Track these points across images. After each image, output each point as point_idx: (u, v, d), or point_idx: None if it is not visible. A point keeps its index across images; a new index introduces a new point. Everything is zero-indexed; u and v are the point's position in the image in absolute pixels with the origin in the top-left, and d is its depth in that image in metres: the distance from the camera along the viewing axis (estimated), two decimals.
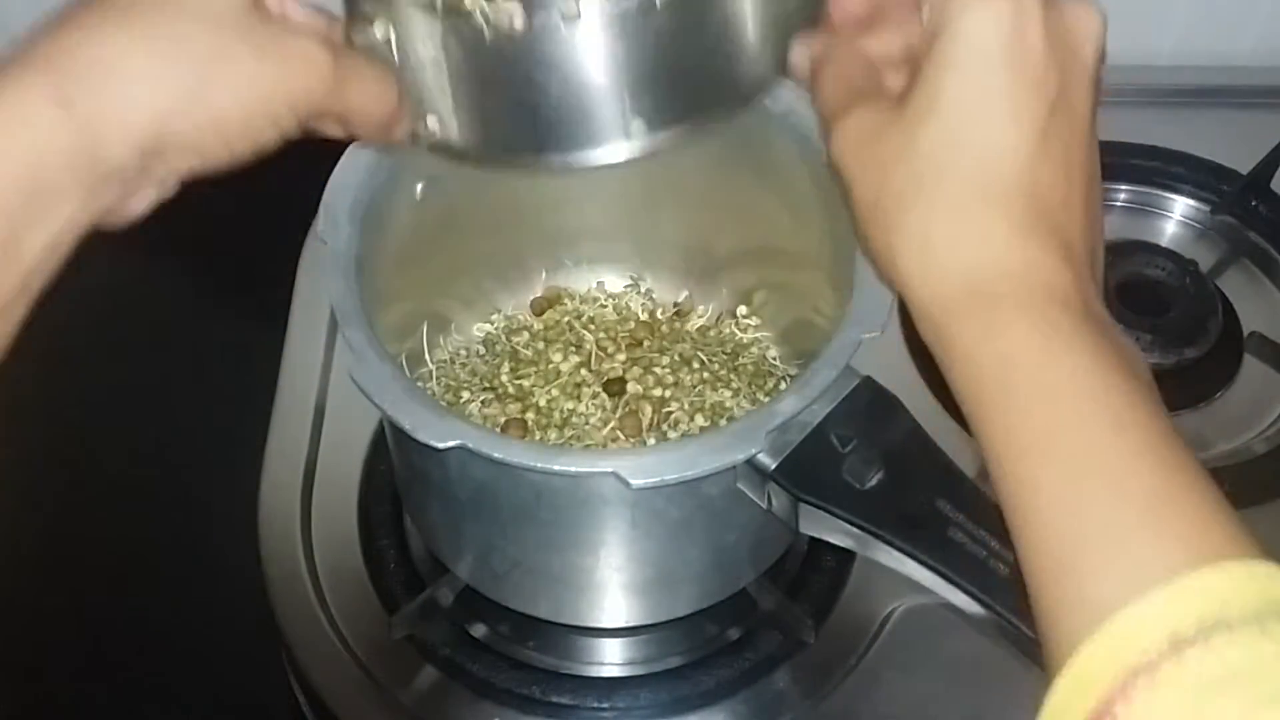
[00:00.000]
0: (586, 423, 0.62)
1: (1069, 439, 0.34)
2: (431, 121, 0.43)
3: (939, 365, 0.38)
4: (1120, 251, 0.74)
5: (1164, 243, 0.78)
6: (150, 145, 0.35)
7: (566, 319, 0.67)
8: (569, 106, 0.41)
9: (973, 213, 0.36)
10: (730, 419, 0.62)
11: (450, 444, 0.46)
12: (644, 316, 0.67)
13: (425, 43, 0.42)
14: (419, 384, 0.59)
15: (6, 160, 0.34)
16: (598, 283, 0.69)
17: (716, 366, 0.64)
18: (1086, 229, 0.37)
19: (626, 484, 0.45)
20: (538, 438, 0.62)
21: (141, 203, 0.39)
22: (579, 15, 0.40)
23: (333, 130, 0.41)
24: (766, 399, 0.62)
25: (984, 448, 0.36)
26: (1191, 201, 0.80)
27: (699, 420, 0.62)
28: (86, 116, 0.34)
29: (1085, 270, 0.37)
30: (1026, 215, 0.36)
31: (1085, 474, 0.34)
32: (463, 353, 0.66)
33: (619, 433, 0.62)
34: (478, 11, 0.41)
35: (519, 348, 0.65)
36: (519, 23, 0.41)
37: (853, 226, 0.39)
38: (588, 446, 0.61)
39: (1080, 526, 0.33)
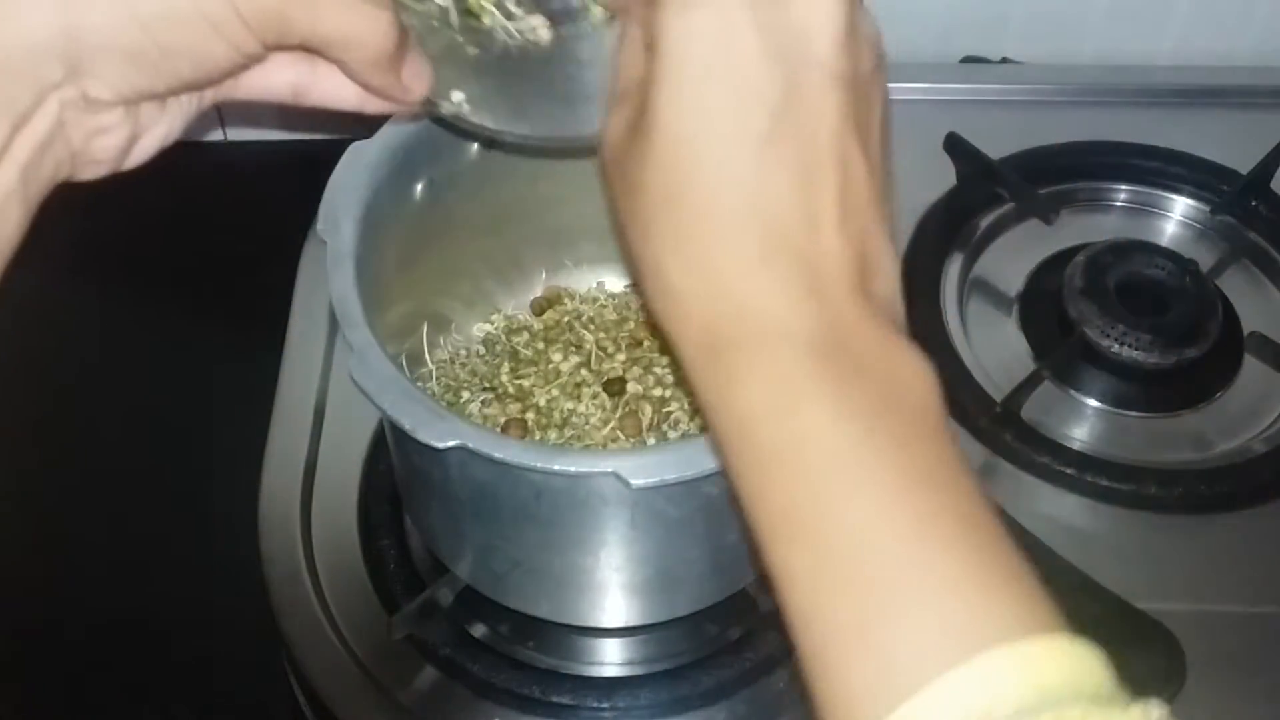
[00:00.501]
0: (586, 423, 0.62)
1: (807, 515, 0.31)
2: (456, 96, 0.41)
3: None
4: (1120, 251, 0.74)
5: (1164, 243, 0.78)
6: (63, 44, 0.32)
7: (566, 319, 0.67)
8: (599, 89, 0.40)
9: (698, 247, 0.33)
10: None
11: (450, 444, 0.46)
12: (644, 316, 0.67)
13: (441, 43, 0.41)
14: (419, 384, 0.59)
15: None
16: (598, 283, 0.69)
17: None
18: (848, 242, 0.33)
19: (626, 484, 0.45)
20: (538, 438, 0.62)
21: (113, 137, 0.36)
22: (610, 20, 0.40)
23: (341, 69, 0.37)
24: None
25: (747, 519, 0.33)
26: (1191, 201, 0.80)
27: (699, 420, 0.62)
28: None
29: (841, 290, 0.33)
30: (757, 244, 0.33)
31: (827, 559, 0.30)
32: (463, 353, 0.66)
33: (619, 433, 0.61)
34: (499, 29, 0.41)
35: (519, 348, 0.65)
36: (545, 36, 0.41)
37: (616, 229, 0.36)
38: (588, 446, 0.61)
39: (829, 625, 0.30)
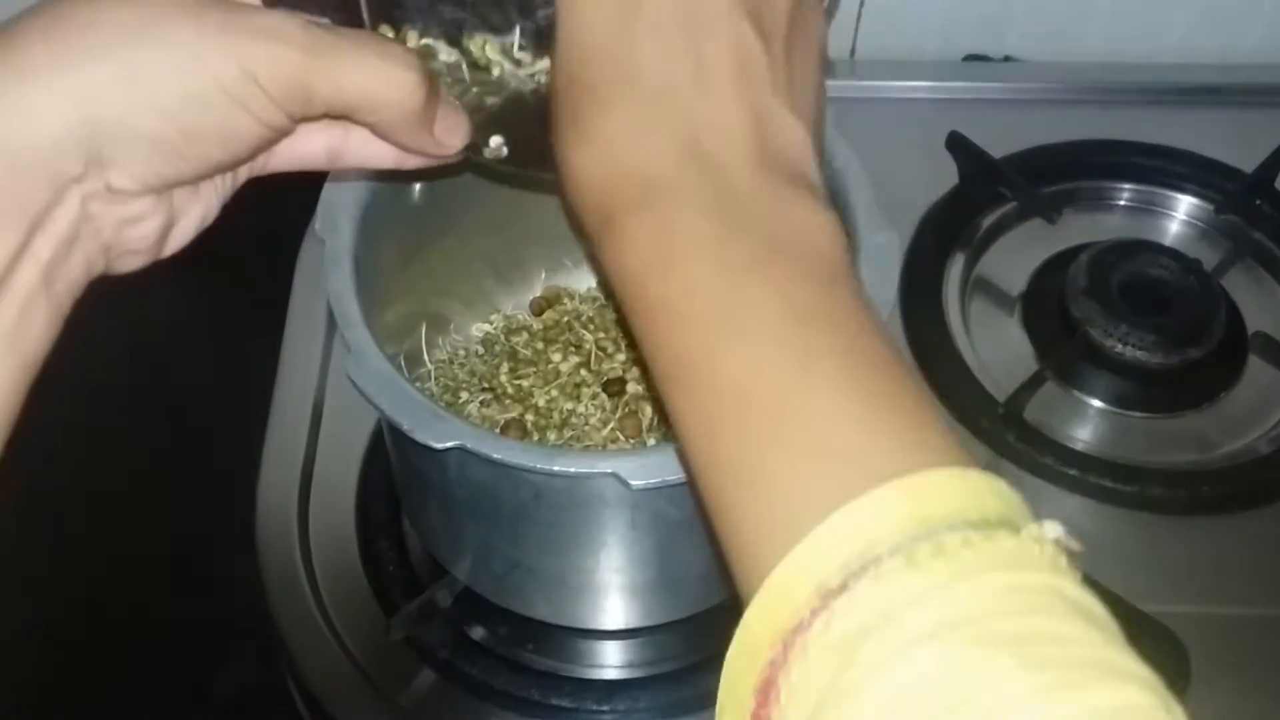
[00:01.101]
0: (586, 423, 0.62)
1: (690, 362, 0.32)
2: (494, 141, 0.42)
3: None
4: (1123, 251, 0.73)
5: (1168, 242, 0.78)
6: (81, 136, 0.32)
7: (566, 319, 0.66)
8: None
9: (590, 122, 0.34)
10: None
11: (449, 444, 0.45)
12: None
13: (462, 94, 0.42)
14: (417, 384, 0.59)
15: None
16: (597, 282, 0.68)
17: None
18: (736, 108, 0.34)
19: (626, 485, 0.45)
20: (537, 438, 0.61)
21: (146, 226, 0.35)
22: None
23: (374, 130, 0.37)
24: None
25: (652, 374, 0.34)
26: (1195, 201, 0.80)
27: None
28: None
29: (731, 155, 0.34)
30: (641, 110, 0.34)
31: (711, 399, 0.31)
32: (461, 353, 0.66)
33: (619, 433, 0.61)
34: (509, 78, 0.41)
35: (518, 348, 0.65)
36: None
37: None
38: (587, 447, 0.61)
39: (723, 468, 0.31)
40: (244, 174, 0.39)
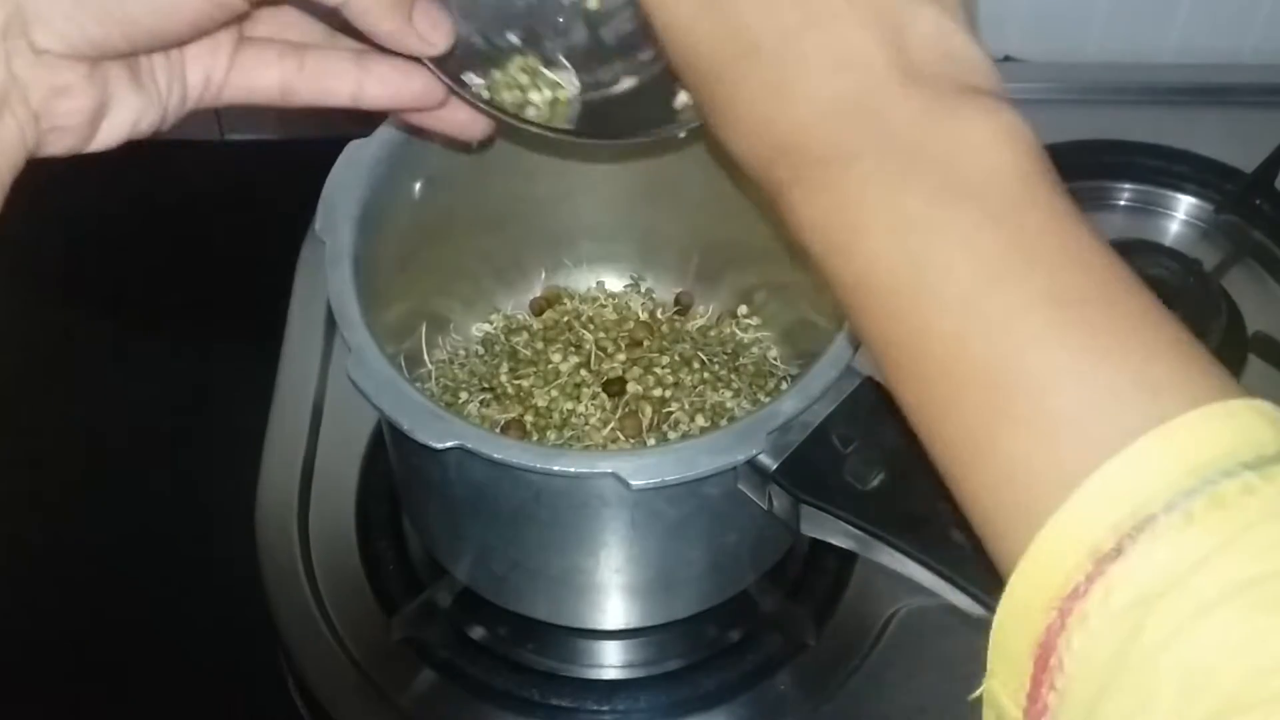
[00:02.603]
0: (586, 423, 0.62)
1: (963, 273, 0.29)
2: (474, 81, 0.41)
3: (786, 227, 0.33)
4: (1124, 251, 0.72)
5: (1167, 242, 0.78)
6: None
7: (566, 319, 0.66)
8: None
9: (722, 95, 0.33)
10: (731, 419, 0.61)
11: (449, 444, 0.45)
12: (644, 316, 0.67)
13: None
14: (417, 384, 0.59)
15: None
16: (598, 283, 0.68)
17: (717, 367, 0.63)
18: (859, 25, 0.31)
19: (626, 485, 0.45)
20: (537, 438, 0.61)
21: (75, 101, 0.33)
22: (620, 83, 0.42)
23: (315, 63, 0.36)
24: (767, 399, 0.62)
25: (848, 313, 0.31)
26: (1195, 201, 0.80)
27: (699, 421, 0.62)
28: None
29: (877, 77, 0.31)
30: (768, 75, 0.32)
31: (928, 379, 0.29)
32: (461, 353, 0.66)
33: (619, 433, 0.61)
34: (527, 106, 0.42)
35: (518, 348, 0.65)
36: (571, 91, 0.42)
37: (695, 99, 0.35)
38: (587, 447, 0.61)
39: (954, 449, 0.29)
40: (194, 95, 0.37)
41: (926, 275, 0.29)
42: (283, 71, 0.38)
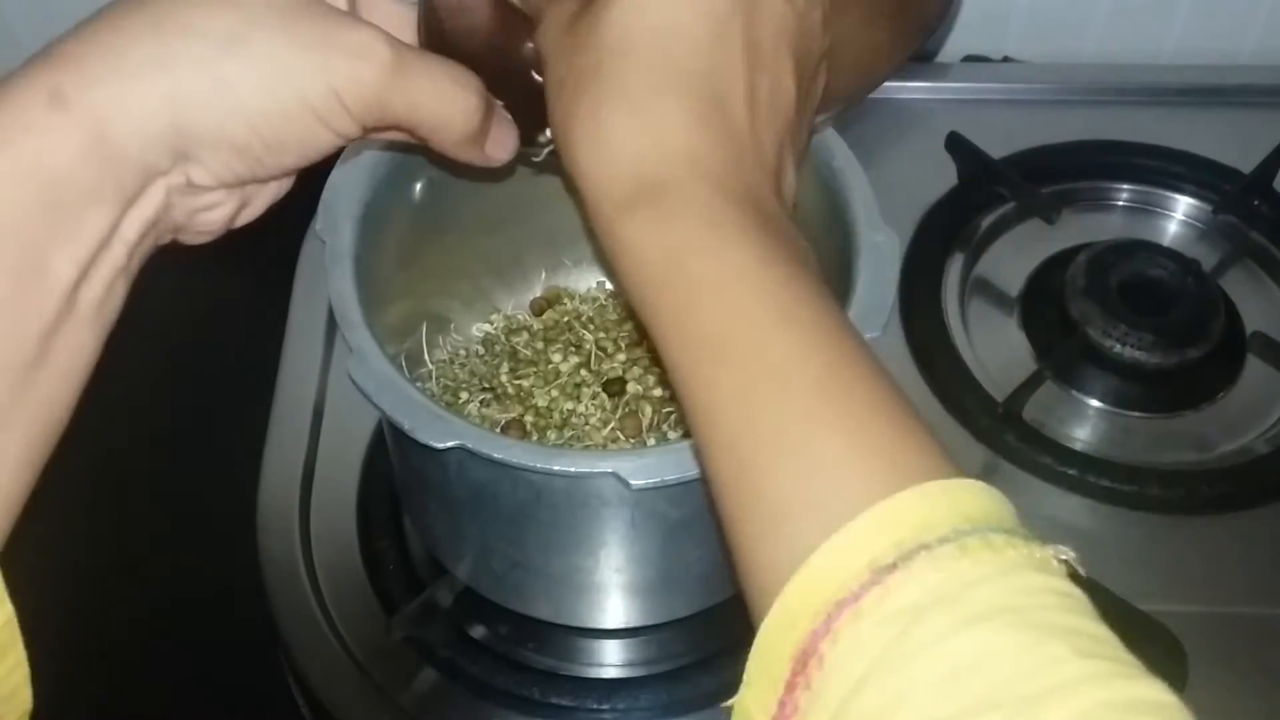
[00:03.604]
0: (586, 423, 0.62)
1: (739, 339, 0.33)
2: (543, 138, 0.42)
3: (611, 268, 0.37)
4: (1122, 251, 0.74)
5: (1166, 242, 0.78)
6: (172, 137, 0.34)
7: (566, 319, 0.67)
8: None
9: (643, 95, 0.35)
10: None
11: (449, 444, 0.45)
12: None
13: None
14: (418, 384, 0.59)
15: (11, 172, 0.32)
16: (598, 282, 0.69)
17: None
18: (771, 134, 0.37)
19: (626, 484, 0.45)
20: (537, 438, 0.61)
21: (218, 213, 0.37)
22: None
23: (428, 143, 0.39)
24: None
25: (663, 358, 0.34)
26: (1193, 201, 0.80)
27: None
28: (88, 111, 0.32)
29: (761, 171, 0.36)
30: (697, 101, 0.35)
31: (759, 377, 0.32)
32: (462, 353, 0.66)
33: (619, 433, 0.61)
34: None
35: (518, 348, 0.65)
36: None
37: (550, 114, 0.38)
38: (587, 447, 0.61)
39: (754, 443, 0.32)
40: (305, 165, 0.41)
41: (781, 291, 0.33)
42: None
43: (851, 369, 0.32)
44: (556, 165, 0.43)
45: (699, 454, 0.34)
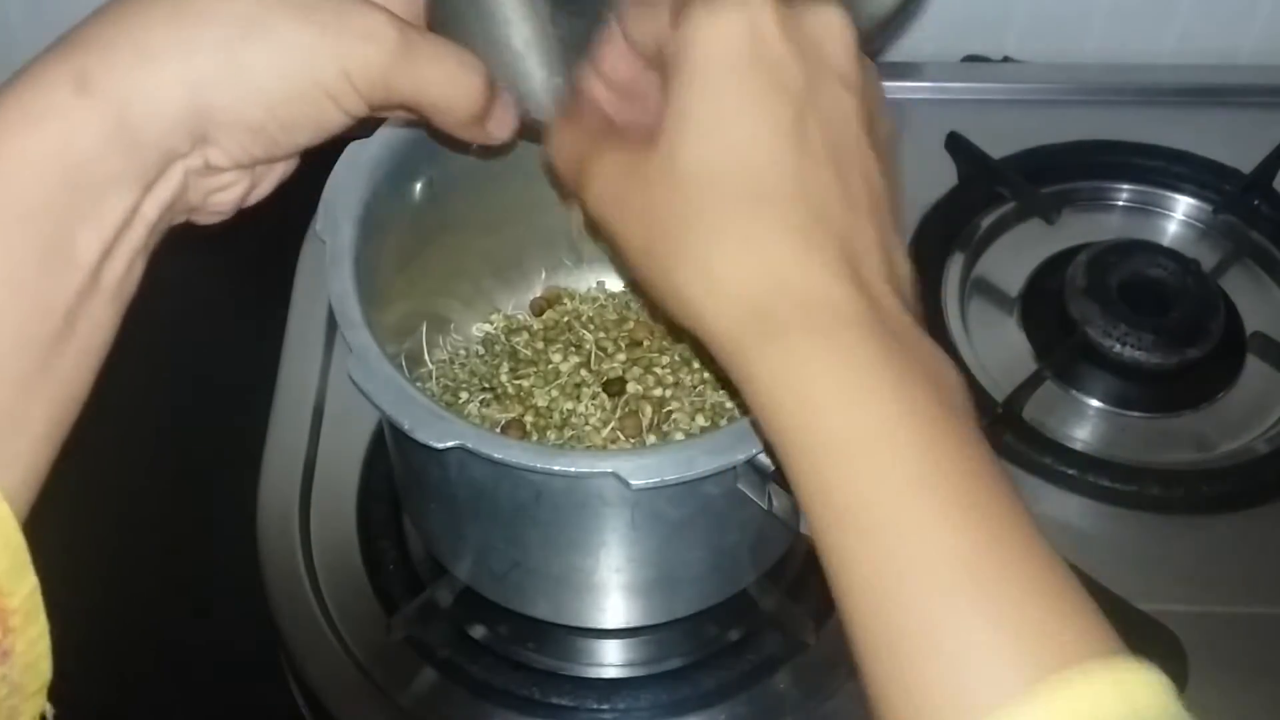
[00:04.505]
0: (586, 423, 0.62)
1: (876, 510, 0.31)
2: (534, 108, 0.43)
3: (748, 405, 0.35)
4: (1122, 251, 0.74)
5: (1166, 242, 0.78)
6: (191, 120, 0.35)
7: (566, 319, 0.67)
8: None
9: (744, 229, 0.34)
10: (731, 419, 0.61)
11: (449, 444, 0.45)
12: (644, 316, 0.67)
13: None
14: (418, 384, 0.59)
15: (39, 155, 0.33)
16: (597, 282, 0.69)
17: (716, 367, 0.63)
18: (877, 230, 0.35)
19: (626, 484, 0.45)
20: (537, 438, 0.61)
21: (231, 193, 0.38)
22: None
23: (432, 122, 0.40)
24: None
25: (802, 506, 0.33)
26: (1193, 201, 0.80)
27: (699, 420, 0.62)
28: (111, 96, 0.33)
29: (878, 276, 0.35)
30: (802, 223, 0.34)
31: (900, 555, 0.30)
32: (462, 353, 0.66)
33: (619, 433, 0.61)
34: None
35: (518, 348, 0.65)
36: None
37: (632, 276, 0.37)
38: (587, 447, 0.61)
39: (895, 623, 0.30)
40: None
41: (926, 457, 0.31)
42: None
43: (1003, 540, 0.30)
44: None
45: (841, 617, 0.32)
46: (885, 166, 0.37)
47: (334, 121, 0.37)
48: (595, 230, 0.39)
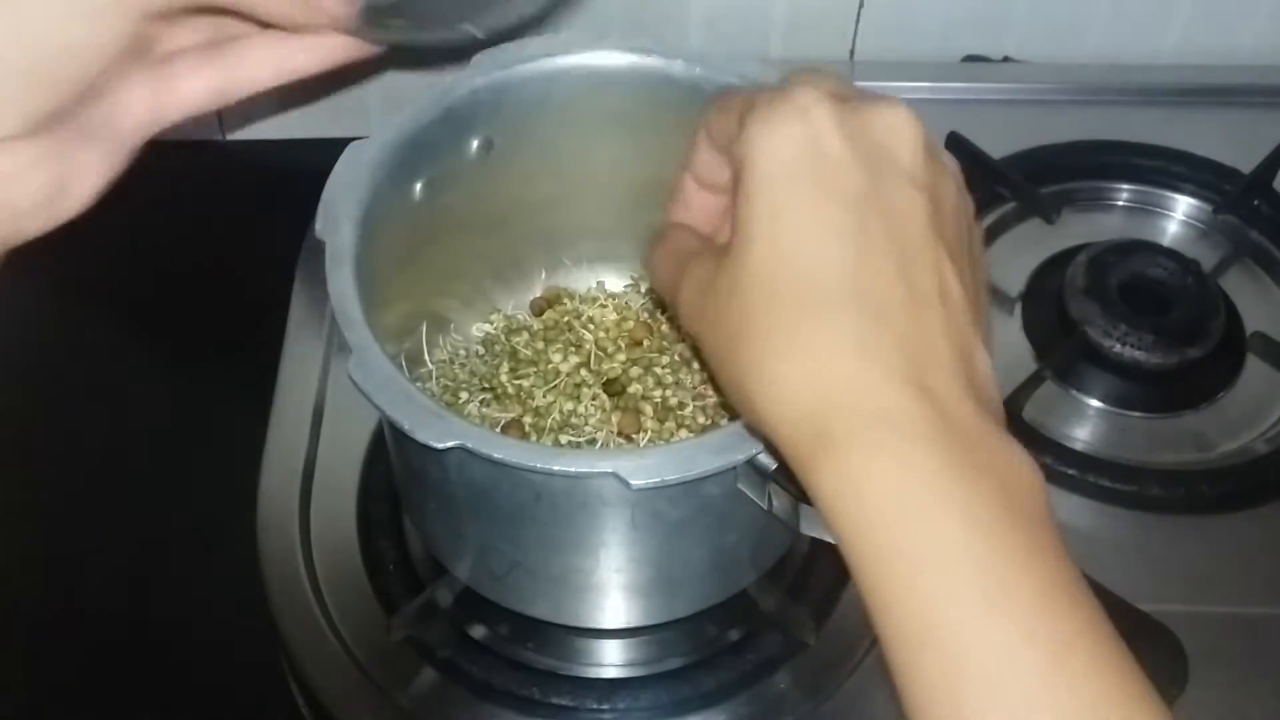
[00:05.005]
0: (586, 423, 0.62)
1: (943, 630, 0.30)
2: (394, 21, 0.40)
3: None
4: (1122, 251, 0.74)
5: (1166, 242, 0.78)
6: None
7: (566, 319, 0.67)
8: None
9: (802, 339, 0.33)
10: (731, 419, 0.61)
11: (449, 444, 0.45)
12: (644, 316, 0.67)
13: None
14: (418, 384, 0.59)
15: None
16: (597, 282, 0.69)
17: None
18: (948, 331, 0.34)
19: (626, 484, 0.45)
20: (536, 438, 0.61)
21: (32, 185, 0.35)
22: None
23: (237, 57, 0.38)
24: None
25: (870, 619, 0.32)
26: (1193, 201, 0.80)
27: (699, 420, 0.62)
28: None
29: (950, 379, 0.33)
30: (860, 331, 0.33)
31: (967, 675, 0.30)
32: (462, 353, 0.66)
33: (619, 433, 0.61)
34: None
35: (518, 348, 0.65)
36: None
37: (721, 386, 0.37)
38: (587, 444, 0.61)
39: None
40: (134, 131, 0.38)
41: (993, 572, 0.30)
42: (211, 78, 0.40)
43: (1075, 657, 0.30)
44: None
45: None
46: (964, 264, 0.36)
47: (112, 42, 0.34)
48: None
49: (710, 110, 0.40)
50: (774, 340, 0.34)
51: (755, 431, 0.36)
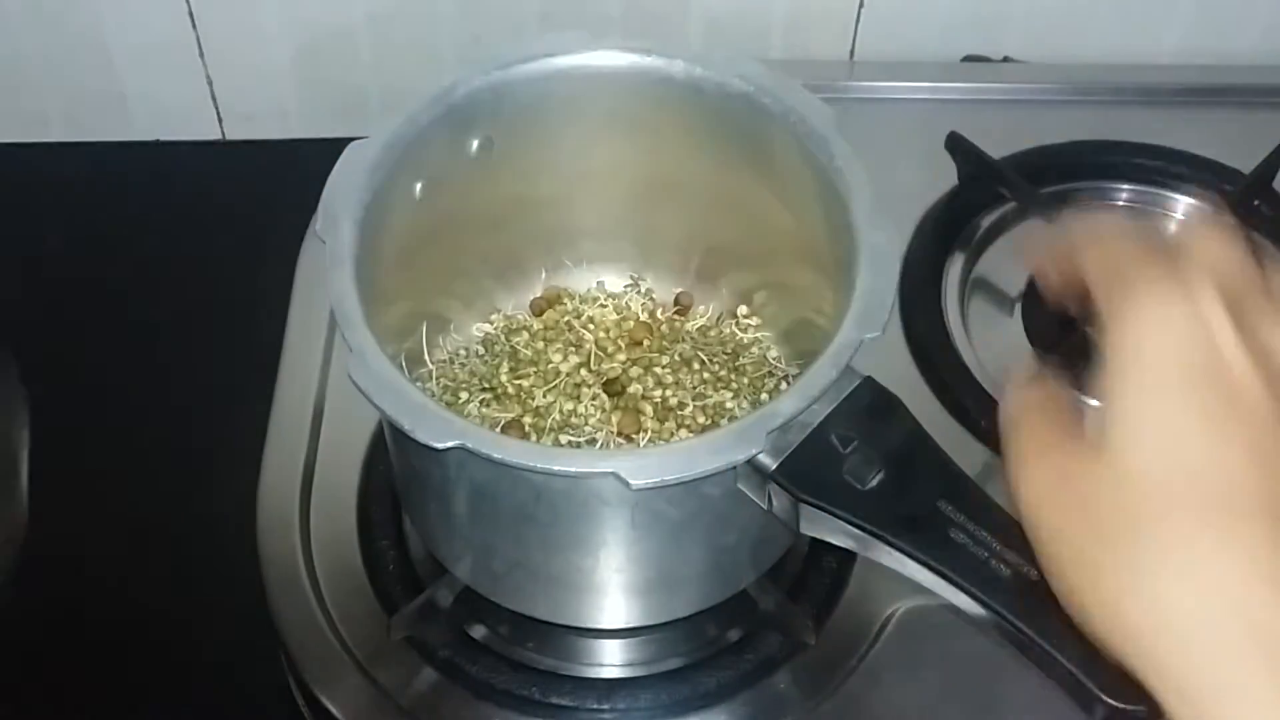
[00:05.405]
0: (586, 423, 0.62)
1: None
2: None
3: None
4: None
5: None
6: None
7: (566, 319, 0.67)
8: None
9: (1182, 547, 0.31)
10: (731, 419, 0.61)
11: (449, 444, 0.45)
12: (644, 316, 0.67)
13: None
14: (418, 384, 0.59)
15: None
16: (598, 283, 0.69)
17: (717, 367, 0.64)
18: None
19: (626, 484, 0.45)
20: (536, 438, 0.61)
21: None
22: None
23: None
24: (767, 399, 0.62)
25: None
26: (1194, 201, 0.80)
27: (700, 420, 0.62)
28: None
29: None
30: (1246, 535, 0.31)
31: None
32: (462, 353, 0.66)
33: (619, 433, 0.61)
34: None
35: (518, 348, 0.65)
36: None
37: (1050, 580, 0.35)
38: (587, 444, 0.61)
39: None
40: None
41: None
42: None
43: None
44: None
45: None
46: None
47: None
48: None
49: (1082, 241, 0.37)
50: (1159, 544, 0.32)
51: (1108, 641, 0.33)
